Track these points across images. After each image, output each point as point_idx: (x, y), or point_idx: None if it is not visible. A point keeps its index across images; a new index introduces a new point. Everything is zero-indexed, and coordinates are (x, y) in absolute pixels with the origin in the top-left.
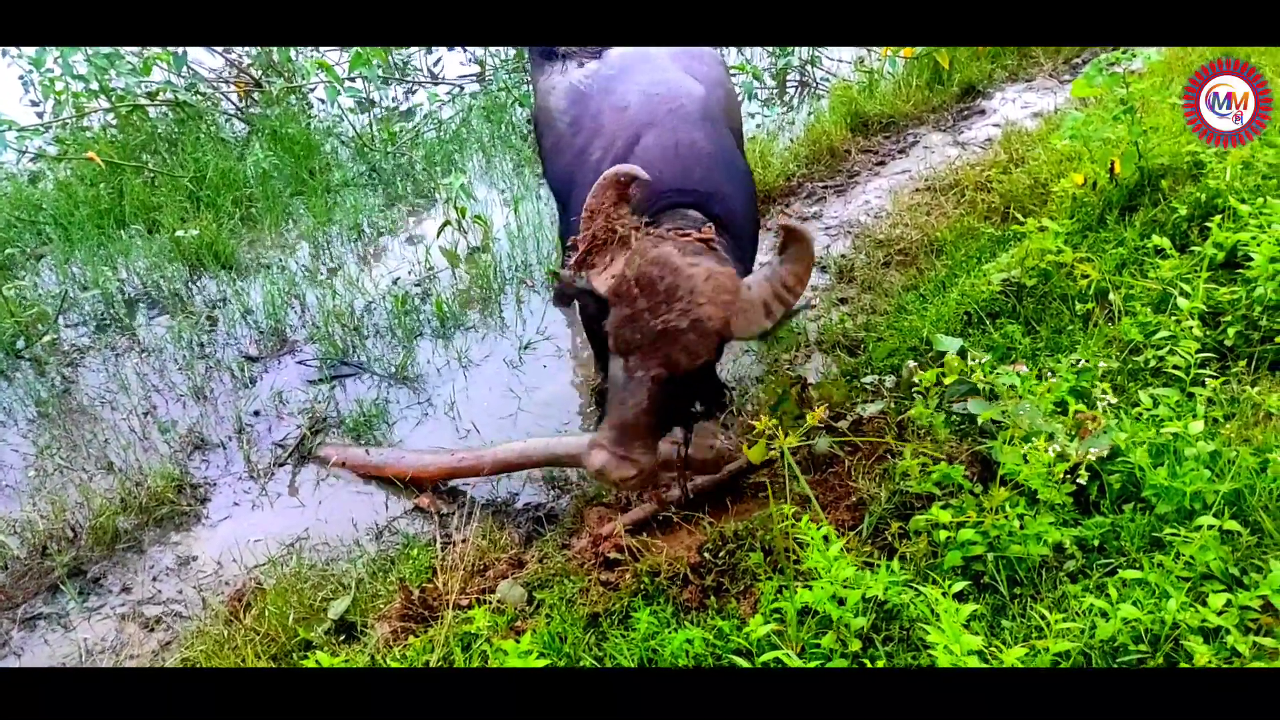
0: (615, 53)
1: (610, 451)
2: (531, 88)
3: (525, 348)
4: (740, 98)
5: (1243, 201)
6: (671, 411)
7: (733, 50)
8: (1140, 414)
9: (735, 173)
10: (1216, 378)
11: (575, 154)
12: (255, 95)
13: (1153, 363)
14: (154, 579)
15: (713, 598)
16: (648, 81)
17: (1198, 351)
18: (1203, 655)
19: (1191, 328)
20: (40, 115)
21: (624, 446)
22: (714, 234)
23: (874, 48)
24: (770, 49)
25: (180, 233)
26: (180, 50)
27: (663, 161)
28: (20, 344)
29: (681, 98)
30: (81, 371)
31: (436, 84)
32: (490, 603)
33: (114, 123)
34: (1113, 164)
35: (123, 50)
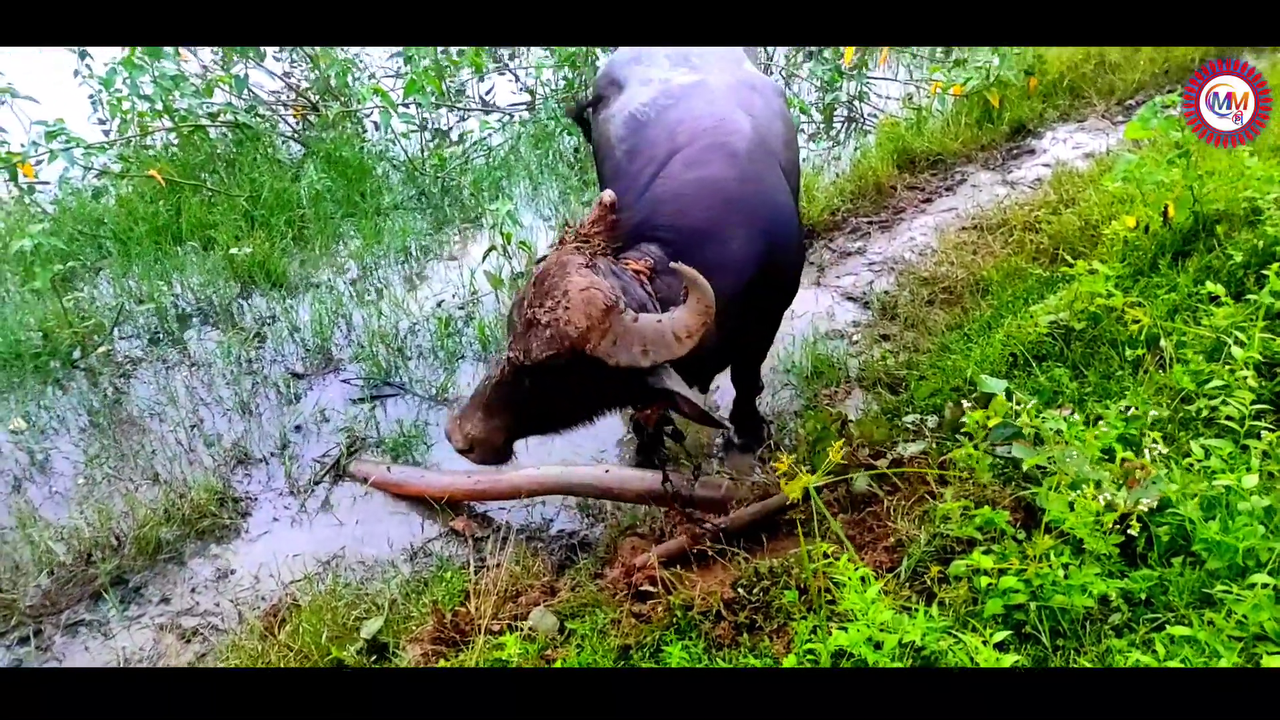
0: (677, 82)
1: (451, 418)
2: (592, 115)
3: None
4: None
5: None
6: (526, 403)
7: (780, 85)
8: (1191, 465)
9: (759, 216)
10: (1272, 430)
11: (629, 180)
12: (311, 118)
13: (1205, 413)
14: (193, 590)
15: (745, 635)
16: (701, 113)
17: (1253, 403)
18: None
19: (1246, 378)
20: (107, 133)
21: (463, 415)
22: (647, 270)
23: (923, 84)
24: (818, 84)
25: (234, 250)
26: (242, 73)
27: (668, 194)
28: (76, 354)
29: (726, 133)
30: (133, 383)
31: (488, 112)
32: (522, 630)
33: (176, 142)
34: (1166, 208)
35: (187, 72)
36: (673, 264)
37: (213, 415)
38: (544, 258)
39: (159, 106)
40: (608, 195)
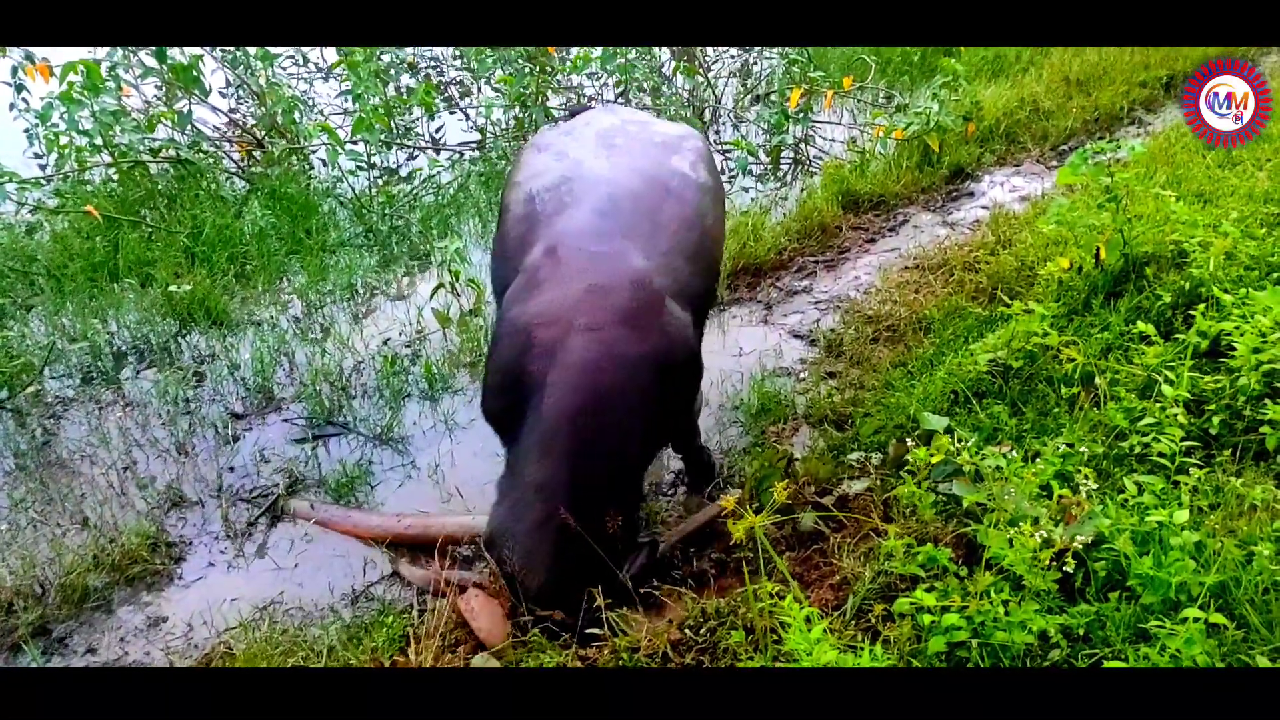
0: (585, 169)
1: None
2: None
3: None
4: (735, 172)
5: (1226, 291)
6: None
7: (728, 127)
8: (1125, 501)
9: (631, 425)
10: (1201, 467)
11: (509, 272)
12: (256, 155)
13: (1138, 449)
14: (121, 639)
15: None
16: (590, 250)
17: (1183, 439)
18: None
19: (1176, 415)
20: (43, 168)
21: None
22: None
23: (866, 128)
24: (765, 127)
25: (173, 287)
26: (185, 108)
27: (557, 451)
28: (3, 394)
29: (601, 308)
30: (63, 424)
31: (437, 150)
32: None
33: (115, 177)
34: (1098, 250)
35: (129, 106)
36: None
37: (147, 457)
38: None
39: (98, 141)
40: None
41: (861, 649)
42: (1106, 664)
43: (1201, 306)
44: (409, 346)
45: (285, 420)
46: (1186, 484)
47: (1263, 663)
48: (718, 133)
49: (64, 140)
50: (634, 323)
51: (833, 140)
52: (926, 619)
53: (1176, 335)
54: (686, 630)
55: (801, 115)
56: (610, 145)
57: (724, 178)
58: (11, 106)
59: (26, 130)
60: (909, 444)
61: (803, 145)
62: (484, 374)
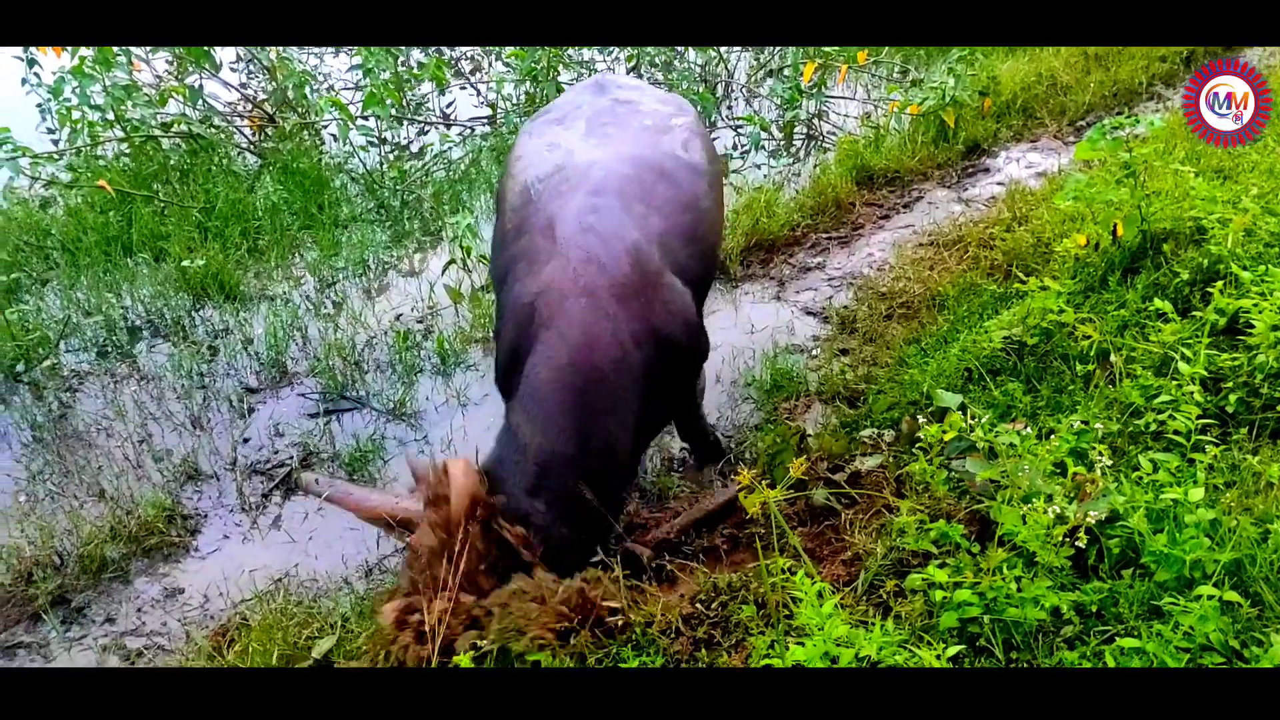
0: (578, 158)
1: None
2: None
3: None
4: (748, 147)
5: (1244, 268)
6: None
7: (741, 102)
8: (1140, 478)
9: (621, 395)
10: (1217, 444)
11: (508, 260)
12: (268, 130)
13: (1153, 426)
14: (139, 610)
15: (703, 650)
16: (586, 223)
17: (1199, 417)
18: None
19: (1193, 393)
20: (56, 143)
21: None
22: (520, 540)
23: (881, 103)
24: (779, 102)
25: (186, 262)
26: (196, 83)
27: (544, 400)
28: (20, 368)
29: (595, 283)
30: (79, 397)
31: (448, 125)
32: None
33: (127, 152)
34: (1115, 226)
35: (140, 81)
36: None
37: (162, 430)
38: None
39: (110, 116)
40: (456, 485)
41: (873, 624)
42: (1119, 641)
43: (1220, 283)
44: (421, 322)
45: (300, 395)
46: (1202, 461)
47: (1276, 639)
48: (730, 107)
49: (76, 115)
50: (631, 292)
51: (847, 115)
52: (938, 595)
53: (1194, 312)
54: (698, 604)
55: (815, 90)
56: (602, 132)
57: (736, 153)
58: (24, 81)
59: (39, 105)
60: (922, 420)
61: (816, 120)
62: (496, 353)
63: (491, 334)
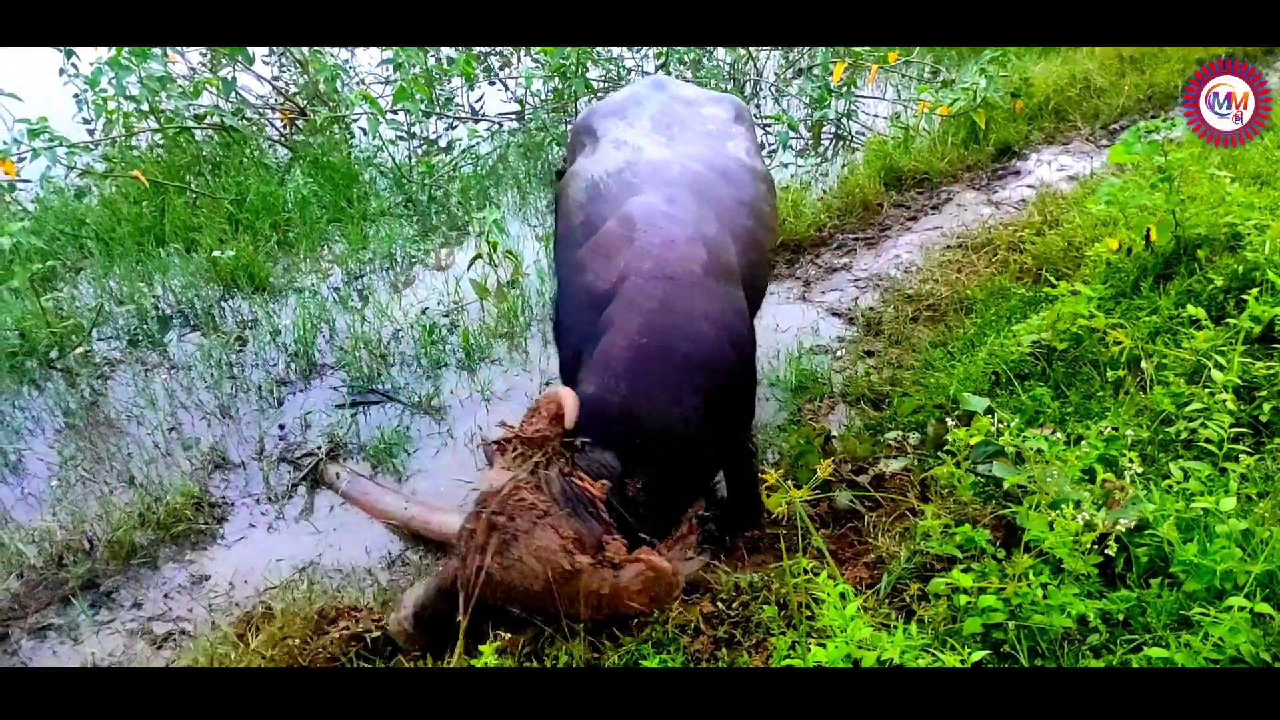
0: (646, 156)
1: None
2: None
3: (548, 384)
4: (775, 146)
5: None
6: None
7: (770, 101)
8: (1170, 487)
9: (696, 378)
10: (1250, 454)
11: (581, 257)
12: (299, 123)
13: (1184, 435)
14: (165, 596)
15: (724, 650)
16: (655, 227)
17: (1231, 426)
18: None
19: (1225, 401)
20: (91, 133)
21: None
22: (603, 495)
23: (911, 104)
24: (807, 101)
25: (217, 253)
26: (230, 75)
27: (621, 367)
28: (54, 354)
29: (676, 269)
30: (111, 385)
31: (477, 120)
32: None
33: (161, 143)
34: (1149, 231)
35: (174, 73)
36: (646, 557)
37: (191, 419)
38: (499, 445)
39: (145, 107)
40: (565, 401)
41: (895, 627)
42: (1147, 650)
43: (1255, 291)
44: (447, 316)
45: (330, 387)
46: (1235, 471)
47: None
48: (759, 106)
49: (112, 106)
50: (711, 279)
51: (876, 116)
52: (962, 600)
53: (1228, 320)
54: (719, 604)
55: (844, 90)
56: (668, 131)
57: (764, 152)
58: (61, 72)
59: (76, 95)
60: (949, 424)
61: (845, 120)
62: (561, 347)
63: (551, 333)
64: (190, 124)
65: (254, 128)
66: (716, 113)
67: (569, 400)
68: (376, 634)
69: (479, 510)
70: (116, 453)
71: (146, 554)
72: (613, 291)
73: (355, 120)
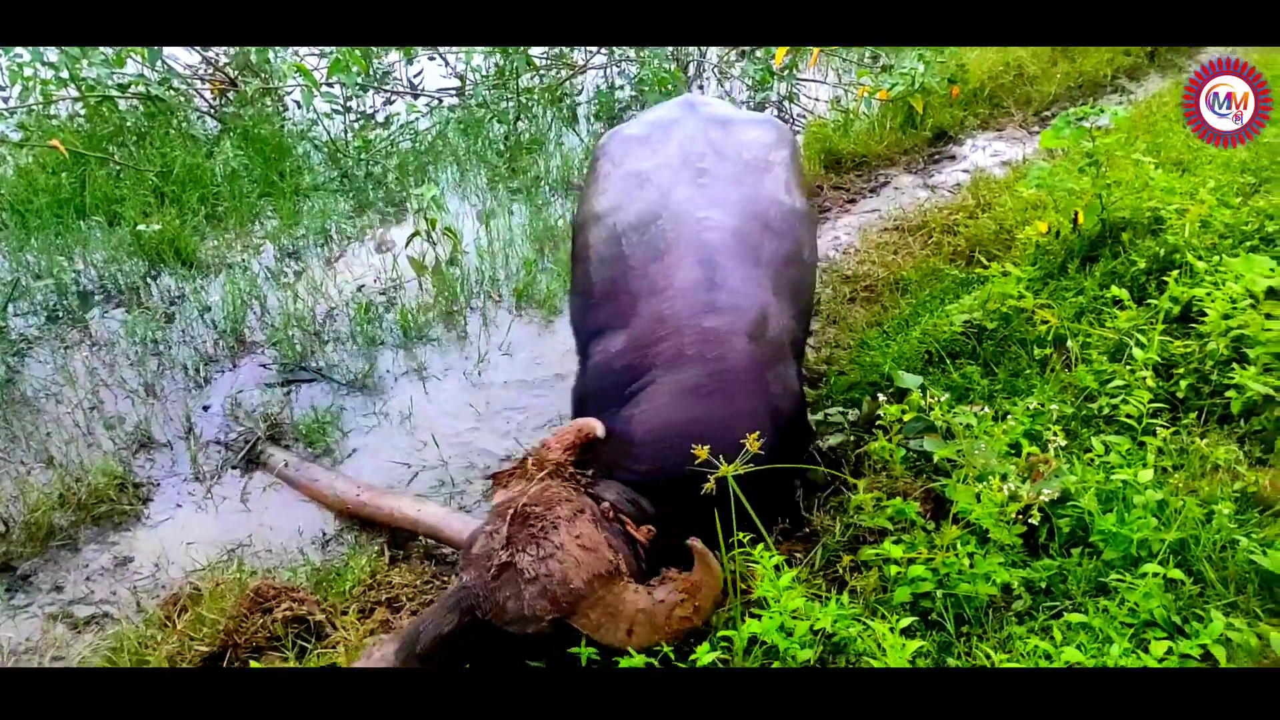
0: (675, 203)
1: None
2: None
3: (481, 360)
4: None
5: (1199, 258)
6: (461, 658)
7: (713, 82)
8: (1092, 460)
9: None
10: (1167, 428)
11: (598, 322)
12: (229, 94)
13: (1106, 410)
14: (87, 579)
15: None
16: (690, 297)
17: (1150, 402)
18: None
19: (1145, 378)
20: (5, 100)
21: (385, 646)
22: (646, 538)
23: (851, 87)
24: (750, 83)
25: (142, 227)
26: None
27: (648, 433)
28: None
29: (718, 346)
30: (28, 362)
31: (415, 95)
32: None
33: (82, 112)
34: (1076, 214)
35: None
36: (690, 542)
37: (114, 397)
38: (507, 472)
39: (64, 75)
40: (594, 427)
41: (828, 598)
42: (1067, 616)
43: (1175, 272)
44: (383, 294)
45: (261, 365)
46: (1152, 444)
47: (1216, 615)
48: (701, 87)
49: (29, 72)
50: (755, 373)
51: (817, 99)
52: (893, 570)
53: (1149, 300)
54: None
55: (786, 72)
56: (698, 169)
57: None
58: None
59: None
60: (882, 400)
61: (786, 103)
62: (576, 399)
63: (575, 397)
64: (113, 93)
65: (181, 98)
66: (755, 137)
67: (599, 430)
68: (320, 617)
69: (503, 507)
70: (34, 431)
71: (66, 535)
72: (643, 371)
73: (289, 92)
